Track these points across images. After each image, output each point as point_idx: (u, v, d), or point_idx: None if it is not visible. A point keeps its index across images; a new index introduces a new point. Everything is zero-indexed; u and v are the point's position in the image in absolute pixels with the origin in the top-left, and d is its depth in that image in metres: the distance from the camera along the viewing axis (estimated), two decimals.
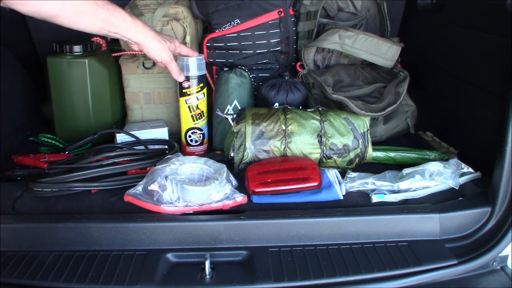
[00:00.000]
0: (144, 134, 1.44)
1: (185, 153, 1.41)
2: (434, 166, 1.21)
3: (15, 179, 1.25)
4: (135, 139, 1.40)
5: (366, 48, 1.43)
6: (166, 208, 1.07)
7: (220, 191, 1.11)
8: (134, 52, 1.54)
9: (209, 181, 1.11)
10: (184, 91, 1.37)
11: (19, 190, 1.19)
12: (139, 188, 1.12)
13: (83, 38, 1.53)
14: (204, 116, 1.42)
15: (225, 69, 1.57)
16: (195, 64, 1.35)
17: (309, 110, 1.34)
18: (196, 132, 1.42)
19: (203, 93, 1.39)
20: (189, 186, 1.08)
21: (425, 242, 1.06)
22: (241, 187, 1.18)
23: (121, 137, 1.43)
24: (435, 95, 1.61)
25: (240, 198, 1.12)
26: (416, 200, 1.16)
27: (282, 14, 1.55)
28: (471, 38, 1.42)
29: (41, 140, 1.50)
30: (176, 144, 1.36)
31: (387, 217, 1.07)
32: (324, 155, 1.27)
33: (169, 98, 1.55)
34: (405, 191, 1.18)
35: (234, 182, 1.19)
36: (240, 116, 1.31)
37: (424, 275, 0.98)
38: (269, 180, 1.15)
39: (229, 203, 1.11)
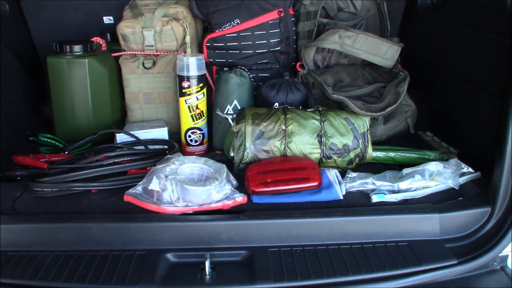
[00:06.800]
0: (144, 134, 1.44)
1: (185, 153, 1.41)
2: (434, 166, 1.21)
3: (15, 179, 1.25)
4: (135, 139, 1.40)
5: (366, 48, 1.43)
6: (166, 208, 1.07)
7: (220, 191, 1.11)
8: (134, 52, 1.54)
9: (209, 181, 1.11)
10: (184, 91, 1.37)
11: (19, 190, 1.19)
12: (139, 188, 1.12)
13: (83, 38, 1.54)
14: (204, 116, 1.42)
15: (225, 69, 1.57)
16: (195, 64, 1.35)
17: (309, 110, 1.34)
18: (196, 132, 1.42)
19: (203, 93, 1.39)
20: (189, 186, 1.08)
21: (425, 242, 1.06)
22: (241, 187, 1.18)
23: (121, 137, 1.43)
24: (435, 95, 1.61)
25: (240, 198, 1.12)
26: (416, 200, 1.16)
27: (282, 14, 1.55)
28: (471, 38, 1.42)
29: (41, 140, 1.50)
30: (176, 144, 1.36)
31: (387, 217, 1.07)
32: (324, 155, 1.27)
33: (169, 98, 1.55)
34: (405, 191, 1.18)
35: (234, 182, 1.19)
36: (240, 116, 1.31)
37: (424, 275, 0.98)
38: (269, 180, 1.15)
39: (229, 203, 1.11)
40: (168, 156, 1.22)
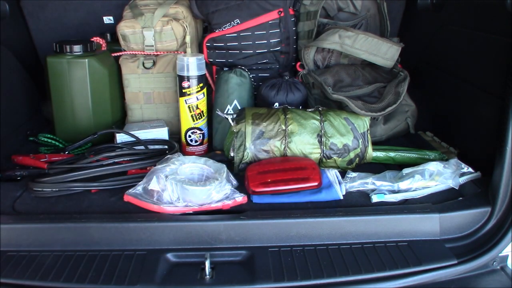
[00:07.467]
0: (144, 134, 1.44)
1: (185, 153, 1.41)
2: (434, 166, 1.21)
3: (15, 179, 1.25)
4: (135, 139, 1.40)
5: (366, 48, 1.43)
6: (166, 208, 1.07)
7: (220, 191, 1.11)
8: (134, 52, 1.54)
9: (209, 181, 1.11)
10: (184, 91, 1.37)
11: (19, 190, 1.19)
12: (139, 188, 1.12)
13: (83, 38, 1.54)
14: (204, 116, 1.42)
15: (225, 69, 1.57)
16: (195, 64, 1.35)
17: (309, 110, 1.34)
18: (196, 132, 1.42)
19: (203, 93, 1.39)
20: (189, 186, 1.08)
21: (425, 242, 1.06)
22: (241, 187, 1.18)
23: (121, 137, 1.43)
24: (435, 95, 1.61)
25: (240, 198, 1.12)
26: (416, 200, 1.16)
27: (282, 14, 1.55)
28: (471, 38, 1.42)
29: (41, 140, 1.50)
30: (176, 144, 1.36)
31: (387, 217, 1.07)
32: (324, 155, 1.27)
33: (169, 98, 1.55)
34: (405, 191, 1.18)
35: (234, 182, 1.19)
36: (240, 116, 1.31)
37: (424, 275, 0.98)
38: (269, 180, 1.15)
39: (229, 203, 1.11)
40: (168, 156, 1.22)
